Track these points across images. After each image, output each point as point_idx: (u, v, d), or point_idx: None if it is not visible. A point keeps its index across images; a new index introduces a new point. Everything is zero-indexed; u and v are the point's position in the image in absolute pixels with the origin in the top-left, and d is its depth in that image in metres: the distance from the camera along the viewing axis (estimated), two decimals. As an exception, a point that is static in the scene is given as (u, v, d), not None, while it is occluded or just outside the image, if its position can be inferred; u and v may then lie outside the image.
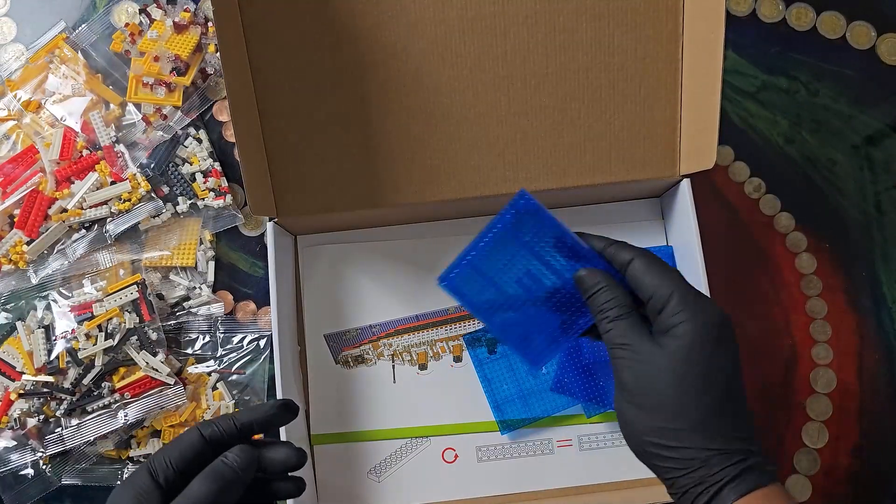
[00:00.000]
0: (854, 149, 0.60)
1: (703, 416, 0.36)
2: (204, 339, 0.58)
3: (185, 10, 0.59)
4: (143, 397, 0.55)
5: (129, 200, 0.57)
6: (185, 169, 0.58)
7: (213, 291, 0.58)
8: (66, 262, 0.57)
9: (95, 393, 0.55)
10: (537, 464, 0.54)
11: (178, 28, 0.58)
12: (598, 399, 0.54)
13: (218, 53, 0.58)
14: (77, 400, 0.54)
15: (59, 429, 0.55)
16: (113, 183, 0.57)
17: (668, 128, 0.51)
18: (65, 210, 0.57)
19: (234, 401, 0.57)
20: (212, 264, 0.58)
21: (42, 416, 0.54)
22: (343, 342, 0.56)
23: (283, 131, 0.50)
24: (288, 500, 0.48)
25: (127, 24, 0.59)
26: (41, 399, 0.54)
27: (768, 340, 0.58)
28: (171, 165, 0.59)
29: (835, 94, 0.60)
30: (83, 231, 0.58)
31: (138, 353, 0.55)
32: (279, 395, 0.49)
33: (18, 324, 0.56)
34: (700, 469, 0.36)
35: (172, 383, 0.55)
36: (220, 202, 0.58)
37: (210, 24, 0.59)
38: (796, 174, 0.59)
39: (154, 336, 0.55)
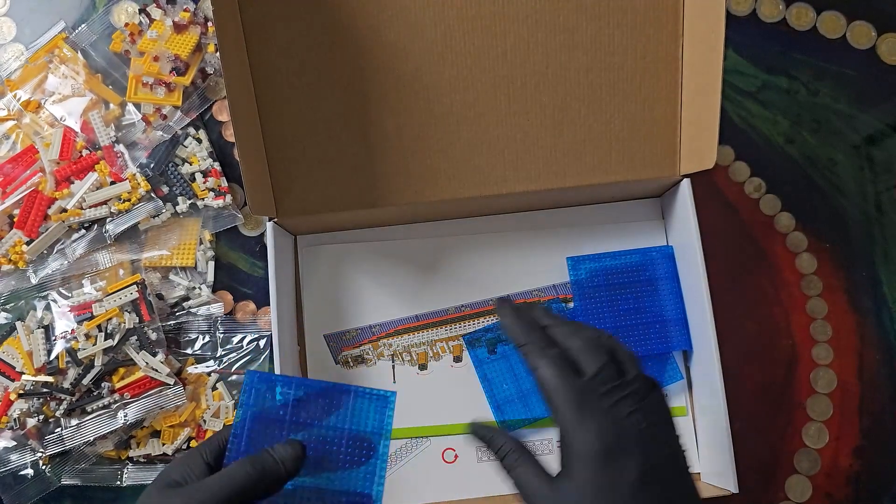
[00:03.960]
0: (854, 148, 0.60)
1: None
2: (203, 339, 0.58)
3: (185, 10, 0.59)
4: (143, 397, 0.55)
5: (129, 200, 0.57)
6: (185, 169, 0.58)
7: (213, 291, 0.58)
8: (66, 262, 0.57)
9: (95, 393, 0.55)
10: (537, 464, 0.54)
11: (178, 28, 0.58)
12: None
13: (217, 53, 0.58)
14: (77, 400, 0.54)
15: (59, 429, 0.55)
16: (112, 183, 0.57)
17: (669, 127, 0.51)
18: (64, 210, 0.57)
19: (233, 401, 0.57)
20: (211, 264, 0.58)
21: (42, 417, 0.54)
22: (343, 342, 0.56)
23: (283, 131, 0.50)
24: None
25: (127, 24, 0.59)
26: (41, 399, 0.54)
27: (769, 340, 0.58)
28: (170, 165, 0.58)
29: (835, 94, 0.60)
30: (83, 231, 0.58)
31: (138, 354, 0.55)
32: (279, 396, 0.49)
33: (18, 324, 0.56)
34: None
35: (172, 383, 0.55)
36: (219, 202, 0.58)
37: (210, 23, 0.59)
38: (797, 174, 0.59)
39: (154, 336, 0.55)
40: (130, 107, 0.59)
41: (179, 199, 0.58)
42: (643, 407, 0.35)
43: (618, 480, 0.34)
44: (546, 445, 0.54)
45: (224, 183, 0.58)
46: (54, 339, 0.55)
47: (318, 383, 0.41)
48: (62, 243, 0.58)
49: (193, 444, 0.56)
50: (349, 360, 0.56)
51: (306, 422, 0.40)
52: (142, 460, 0.56)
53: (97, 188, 0.57)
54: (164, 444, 0.55)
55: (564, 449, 0.35)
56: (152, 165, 0.58)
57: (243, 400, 0.39)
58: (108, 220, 0.57)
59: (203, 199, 0.58)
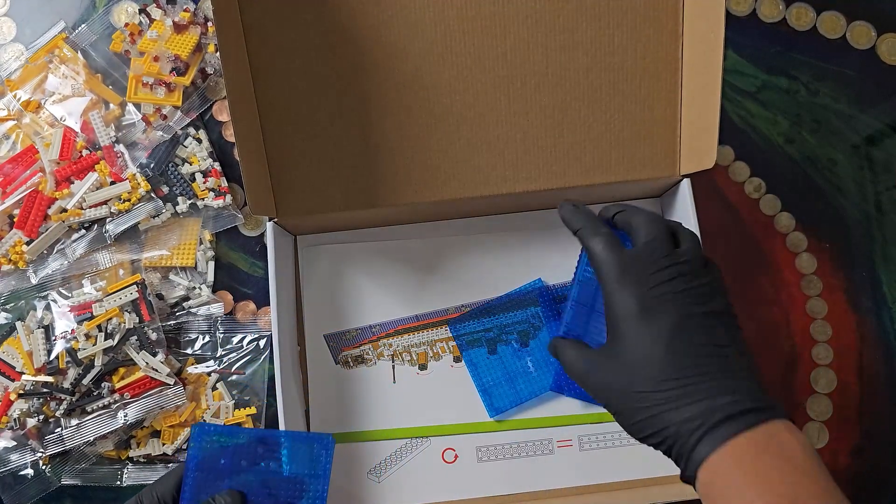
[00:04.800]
0: (854, 148, 0.60)
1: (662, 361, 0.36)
2: (204, 339, 0.58)
3: (185, 10, 0.59)
4: (143, 397, 0.55)
5: (129, 200, 0.57)
6: (185, 169, 0.58)
7: (213, 291, 0.58)
8: (66, 262, 0.57)
9: (95, 393, 0.55)
10: (537, 464, 0.54)
11: (178, 28, 0.58)
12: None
13: (218, 53, 0.58)
14: (77, 400, 0.54)
15: (59, 429, 0.55)
16: (112, 183, 0.57)
17: (669, 127, 0.51)
18: (64, 210, 0.57)
19: (233, 401, 0.57)
20: (211, 264, 0.58)
21: (42, 417, 0.54)
22: (343, 342, 0.56)
23: (283, 131, 0.50)
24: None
25: (127, 24, 0.59)
26: (41, 399, 0.54)
27: (768, 340, 0.58)
28: (170, 165, 0.58)
29: (835, 94, 0.60)
30: (83, 231, 0.58)
31: (138, 354, 0.55)
32: (279, 396, 0.49)
33: (18, 324, 0.56)
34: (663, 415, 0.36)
35: (172, 383, 0.55)
36: (219, 202, 0.58)
37: (210, 23, 0.59)
38: (796, 174, 0.59)
39: (154, 336, 0.55)
40: (130, 107, 0.59)
41: (179, 199, 0.58)
42: (685, 275, 0.37)
43: (654, 334, 0.36)
44: (545, 445, 0.54)
45: (224, 183, 0.58)
46: (54, 339, 0.55)
47: (259, 431, 0.46)
48: (62, 243, 0.58)
49: (193, 444, 0.56)
50: (349, 360, 0.56)
51: (247, 468, 0.44)
52: (142, 460, 0.56)
53: (97, 188, 0.57)
54: (164, 444, 0.56)
55: (609, 316, 0.38)
56: (152, 165, 0.58)
57: (189, 452, 0.43)
58: (108, 220, 0.57)
59: (203, 199, 0.58)
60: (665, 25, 0.50)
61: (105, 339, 0.55)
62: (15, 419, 0.54)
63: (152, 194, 0.58)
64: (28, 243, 0.57)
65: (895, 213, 0.59)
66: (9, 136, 0.59)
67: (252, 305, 0.59)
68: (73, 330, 0.55)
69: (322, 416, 0.55)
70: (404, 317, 0.56)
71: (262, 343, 0.58)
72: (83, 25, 0.60)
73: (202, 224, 0.58)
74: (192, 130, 0.59)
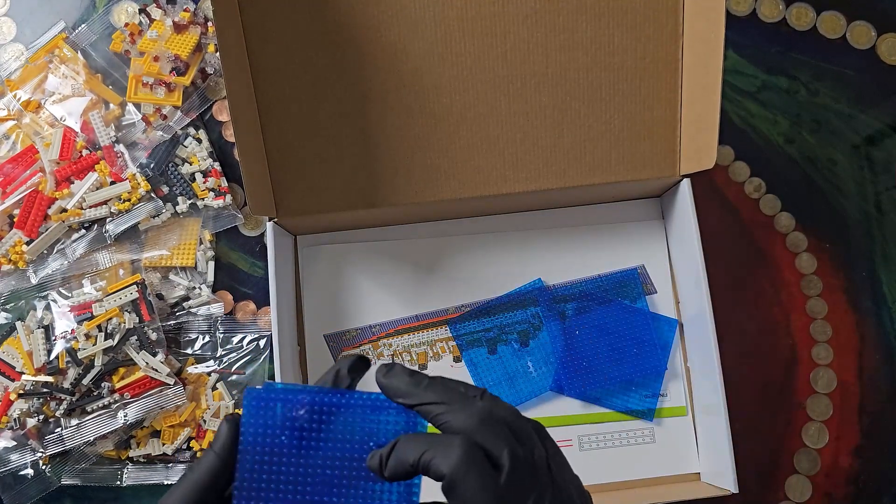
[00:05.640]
0: (854, 149, 0.60)
1: None
2: (204, 339, 0.58)
3: (185, 10, 0.59)
4: (143, 397, 0.55)
5: (129, 200, 0.57)
6: (185, 169, 0.58)
7: (213, 291, 0.58)
8: (66, 262, 0.57)
9: (95, 393, 0.55)
10: (537, 464, 0.54)
11: (178, 28, 0.58)
12: (596, 400, 0.54)
13: (218, 53, 0.58)
14: (77, 400, 0.54)
15: (59, 429, 0.55)
16: (112, 183, 0.57)
17: (669, 127, 0.51)
18: (64, 210, 0.57)
19: (233, 401, 0.57)
20: (211, 264, 0.58)
21: (42, 417, 0.54)
22: (343, 342, 0.56)
23: (283, 131, 0.50)
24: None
25: (127, 24, 0.59)
26: (41, 399, 0.54)
27: (768, 340, 0.58)
28: (170, 165, 0.58)
29: (835, 94, 0.60)
30: (83, 231, 0.58)
31: (138, 354, 0.55)
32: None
33: (18, 324, 0.56)
34: None
35: (172, 383, 0.55)
36: (219, 202, 0.58)
37: (210, 23, 0.59)
38: (796, 174, 0.59)
39: (154, 336, 0.55)
40: (130, 107, 0.59)
41: (179, 199, 0.58)
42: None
43: None
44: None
45: (224, 183, 0.58)
46: (54, 339, 0.55)
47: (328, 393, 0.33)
48: (62, 243, 0.58)
49: (194, 444, 0.56)
50: (349, 360, 0.56)
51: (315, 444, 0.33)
52: (142, 460, 0.56)
53: (97, 188, 0.57)
54: (164, 444, 0.56)
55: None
56: (152, 165, 0.58)
57: (244, 425, 0.32)
58: (108, 220, 0.57)
59: (203, 199, 0.58)
60: (665, 25, 0.50)
61: (105, 339, 0.55)
62: (15, 419, 0.54)
63: (152, 194, 0.58)
64: (28, 243, 0.57)
65: (895, 213, 0.59)
66: (9, 136, 0.59)
67: (252, 305, 0.59)
68: (73, 330, 0.55)
69: (322, 416, 0.55)
70: (404, 317, 0.56)
71: (262, 343, 0.58)
72: (83, 25, 0.60)
73: (202, 224, 0.58)
74: (192, 130, 0.59)
